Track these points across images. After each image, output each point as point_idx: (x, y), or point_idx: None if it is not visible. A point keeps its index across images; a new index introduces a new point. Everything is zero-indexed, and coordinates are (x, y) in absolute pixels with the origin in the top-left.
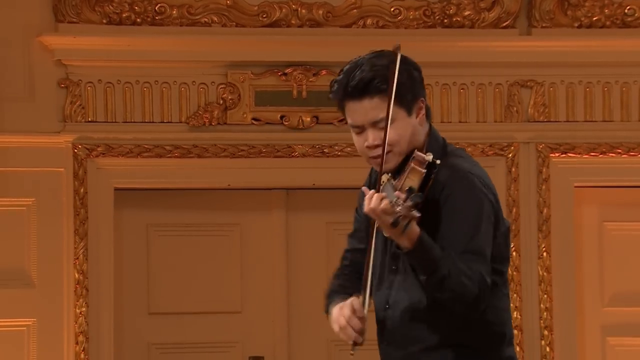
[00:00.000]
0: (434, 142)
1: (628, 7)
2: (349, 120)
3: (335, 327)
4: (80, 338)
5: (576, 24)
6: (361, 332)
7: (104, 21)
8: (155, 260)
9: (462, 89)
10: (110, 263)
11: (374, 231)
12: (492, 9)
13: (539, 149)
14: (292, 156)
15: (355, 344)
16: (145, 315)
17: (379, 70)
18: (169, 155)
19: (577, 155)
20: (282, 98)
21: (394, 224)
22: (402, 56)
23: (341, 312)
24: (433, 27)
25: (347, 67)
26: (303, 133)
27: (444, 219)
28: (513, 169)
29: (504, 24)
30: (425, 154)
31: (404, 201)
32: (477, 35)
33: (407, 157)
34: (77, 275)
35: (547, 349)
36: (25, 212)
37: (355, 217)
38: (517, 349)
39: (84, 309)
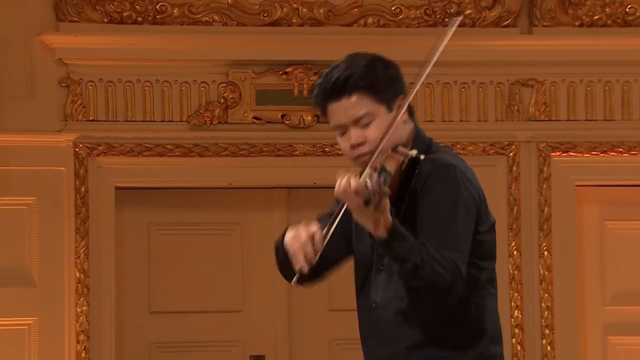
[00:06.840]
0: (418, 140)
1: (629, 6)
2: (332, 122)
3: (288, 247)
4: (82, 337)
5: (577, 23)
6: (310, 263)
7: (105, 20)
8: (157, 259)
9: (463, 87)
10: (112, 262)
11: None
12: (493, 7)
13: (540, 148)
14: (293, 155)
15: (300, 274)
16: (146, 314)
17: (355, 68)
18: (170, 154)
19: (578, 154)
20: (283, 97)
21: (366, 203)
22: (378, 55)
23: (297, 233)
24: (434, 26)
25: (326, 70)
26: (304, 132)
27: (423, 208)
28: (514, 168)
29: (505, 23)
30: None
31: (375, 179)
32: (478, 34)
33: None
34: (78, 274)
35: (548, 347)
36: (26, 211)
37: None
38: (519, 347)
39: (85, 307)
